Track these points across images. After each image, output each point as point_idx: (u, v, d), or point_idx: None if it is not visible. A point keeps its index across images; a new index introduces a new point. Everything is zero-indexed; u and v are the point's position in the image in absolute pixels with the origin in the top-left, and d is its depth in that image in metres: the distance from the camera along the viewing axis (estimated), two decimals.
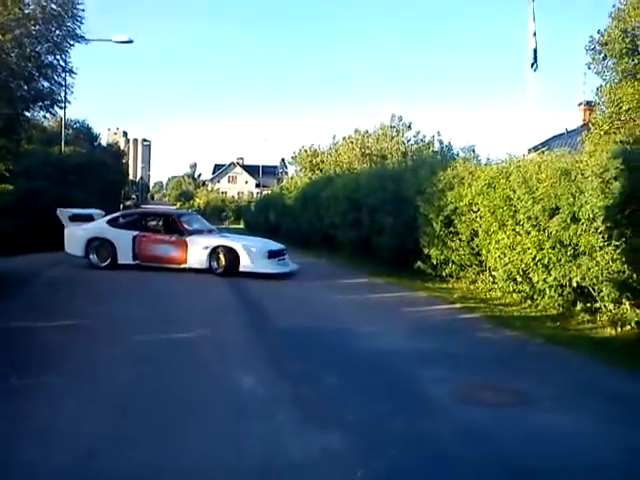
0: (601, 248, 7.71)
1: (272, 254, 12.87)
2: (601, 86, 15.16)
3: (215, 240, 13.19)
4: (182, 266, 12.99)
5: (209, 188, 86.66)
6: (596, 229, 7.73)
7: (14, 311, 8.54)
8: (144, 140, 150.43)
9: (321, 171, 32.34)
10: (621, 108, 13.90)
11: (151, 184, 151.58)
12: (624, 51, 14.34)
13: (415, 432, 4.38)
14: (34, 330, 7.21)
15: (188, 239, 13.11)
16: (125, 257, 13.33)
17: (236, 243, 12.94)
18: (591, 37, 15.24)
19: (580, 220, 7.98)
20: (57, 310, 8.58)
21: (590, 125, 15.42)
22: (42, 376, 5.42)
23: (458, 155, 16.35)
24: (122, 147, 55.71)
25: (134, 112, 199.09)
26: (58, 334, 7.03)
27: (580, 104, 24.62)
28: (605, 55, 15.08)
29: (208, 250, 12.79)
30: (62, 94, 13.29)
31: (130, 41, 21.83)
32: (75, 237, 13.81)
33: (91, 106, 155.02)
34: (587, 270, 7.81)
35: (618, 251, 7.49)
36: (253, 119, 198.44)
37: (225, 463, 3.80)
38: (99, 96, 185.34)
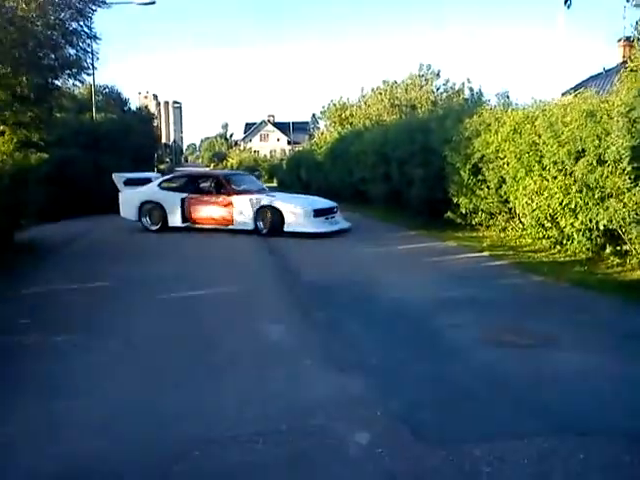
0: (628, 190, 7.60)
1: (318, 213, 12.45)
2: None
3: (260, 200, 12.72)
4: (229, 227, 12.95)
5: (241, 147, 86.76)
6: (623, 170, 7.61)
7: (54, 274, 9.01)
8: (175, 102, 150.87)
9: (351, 125, 32.00)
10: None
11: (184, 146, 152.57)
12: None
13: (436, 374, 4.55)
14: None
15: (234, 200, 12.92)
16: (175, 219, 13.45)
17: (280, 202, 12.59)
18: None
19: (606, 162, 7.85)
20: (87, 271, 9.00)
21: (628, 62, 14.82)
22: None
23: (490, 102, 15.95)
24: (152, 110, 55.86)
25: (164, 75, 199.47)
26: (91, 293, 7.46)
27: (619, 40, 23.27)
28: None
29: (253, 211, 12.63)
30: (88, 60, 13.45)
31: (152, 2, 21.73)
32: (128, 201, 14.02)
33: (121, 71, 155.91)
34: (614, 212, 7.73)
35: None
36: (283, 75, 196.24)
37: (254, 400, 4.07)
38: (129, 61, 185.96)
